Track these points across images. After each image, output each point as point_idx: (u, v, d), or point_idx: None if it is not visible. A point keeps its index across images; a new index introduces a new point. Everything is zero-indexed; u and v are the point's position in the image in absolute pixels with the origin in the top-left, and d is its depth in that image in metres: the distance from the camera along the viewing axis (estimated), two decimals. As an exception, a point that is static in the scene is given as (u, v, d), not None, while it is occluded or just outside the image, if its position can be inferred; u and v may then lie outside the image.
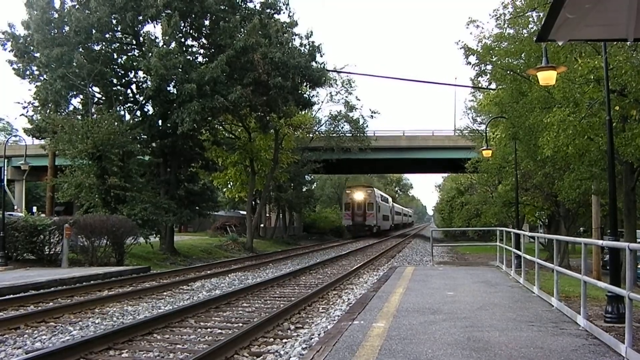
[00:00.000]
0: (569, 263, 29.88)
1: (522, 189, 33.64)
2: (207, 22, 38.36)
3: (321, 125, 68.17)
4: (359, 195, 79.88)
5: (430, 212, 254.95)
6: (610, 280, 12.08)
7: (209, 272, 27.08)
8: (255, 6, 40.37)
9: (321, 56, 43.20)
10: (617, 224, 12.61)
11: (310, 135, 65.35)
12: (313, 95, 48.51)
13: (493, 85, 31.25)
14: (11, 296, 17.47)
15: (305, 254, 37.11)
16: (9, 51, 36.70)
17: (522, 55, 24.94)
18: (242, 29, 36.97)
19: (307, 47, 42.60)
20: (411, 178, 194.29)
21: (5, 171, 70.19)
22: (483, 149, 30.43)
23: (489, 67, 27.37)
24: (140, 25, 37.27)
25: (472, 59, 26.99)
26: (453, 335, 10.33)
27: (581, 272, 11.49)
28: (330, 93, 65.29)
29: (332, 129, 67.23)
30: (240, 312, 15.77)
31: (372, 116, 79.27)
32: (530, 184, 34.45)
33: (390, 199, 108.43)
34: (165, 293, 19.70)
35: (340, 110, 66.76)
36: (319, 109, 66.57)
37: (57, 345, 11.30)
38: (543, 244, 33.29)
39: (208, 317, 14.77)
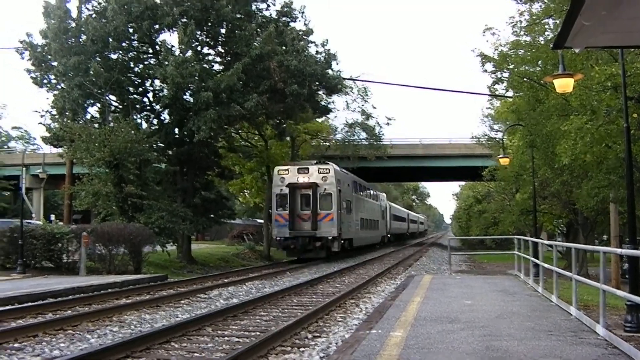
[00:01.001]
0: (588, 272, 29.70)
1: (540, 197, 33.48)
2: (223, 31, 38.51)
3: (337, 133, 68.08)
4: (302, 178, 41.25)
5: (447, 220, 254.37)
6: (629, 289, 12.01)
7: (226, 280, 27.09)
8: (271, 14, 40.53)
9: (337, 64, 43.35)
10: (636, 232, 12.53)
11: (327, 143, 65.27)
12: (329, 102, 48.56)
13: (510, 93, 31.19)
14: (29, 304, 17.54)
15: (323, 263, 37.13)
16: (27, 60, 36.97)
17: (539, 62, 24.86)
18: (258, 37, 37.08)
19: (323, 54, 42.66)
20: (428, 186, 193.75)
21: (24, 179, 70.77)
22: (500, 157, 30.35)
23: (506, 74, 27.32)
24: (156, 34, 37.49)
25: (489, 66, 26.96)
26: (471, 344, 10.29)
27: (600, 281, 11.43)
28: (347, 101, 65.19)
29: (348, 137, 67.12)
30: (258, 320, 15.76)
31: (388, 123, 78.83)
32: (548, 192, 34.27)
33: (382, 196, 73.11)
34: (182, 301, 19.71)
35: (357, 119, 66.68)
36: (335, 117, 66.51)
37: (75, 353, 11.32)
38: (561, 253, 33.15)
39: (225, 326, 14.76)
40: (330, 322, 15.42)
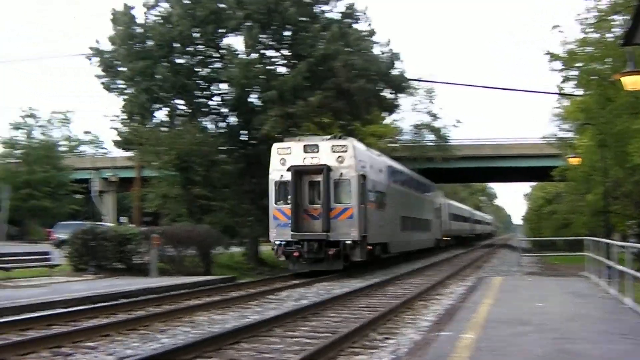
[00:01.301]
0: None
1: (612, 198, 32.85)
2: (287, 33, 38.72)
3: (404, 135, 67.97)
4: (310, 158, 30.19)
5: (515, 221, 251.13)
6: None
7: (295, 282, 27.12)
8: (333, 16, 40.56)
9: (401, 62, 43.04)
10: None
11: (394, 145, 65.13)
12: (395, 100, 48.32)
13: (579, 92, 30.74)
14: (103, 304, 17.93)
15: (391, 264, 36.80)
16: (97, 66, 37.78)
17: (608, 59, 24.46)
18: (321, 40, 37.23)
19: (387, 54, 42.53)
20: (496, 187, 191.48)
21: (96, 183, 72.64)
22: (570, 157, 29.88)
23: (574, 72, 26.96)
24: (220, 38, 37.93)
25: (557, 64, 26.64)
26: (543, 347, 10.16)
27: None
28: (413, 103, 65.04)
29: (415, 138, 67.01)
30: (327, 322, 15.75)
31: (455, 125, 78.01)
32: (619, 192, 33.61)
33: (437, 191, 60.11)
34: (252, 302, 19.81)
35: (424, 121, 66.50)
36: (402, 118, 66.26)
37: (148, 352, 11.51)
38: (636, 254, 32.50)
39: (295, 327, 14.79)
40: (400, 324, 15.33)
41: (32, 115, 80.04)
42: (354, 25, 40.91)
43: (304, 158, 29.69)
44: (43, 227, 66.20)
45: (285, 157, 29.94)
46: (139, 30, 37.20)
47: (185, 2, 36.17)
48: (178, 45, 36.54)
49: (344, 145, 29.99)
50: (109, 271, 27.22)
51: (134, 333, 13.92)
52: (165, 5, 37.59)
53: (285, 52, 39.87)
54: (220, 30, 36.89)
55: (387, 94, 43.95)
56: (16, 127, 78.38)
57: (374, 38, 42.00)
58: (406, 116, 75.19)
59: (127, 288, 20.94)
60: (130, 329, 14.21)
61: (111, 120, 38.54)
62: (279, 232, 29.71)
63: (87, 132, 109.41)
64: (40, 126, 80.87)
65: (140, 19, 37.68)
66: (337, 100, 38.04)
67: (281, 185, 30.05)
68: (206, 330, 14.35)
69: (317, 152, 29.76)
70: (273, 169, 30.30)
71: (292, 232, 29.05)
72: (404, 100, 55.67)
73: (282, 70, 39.53)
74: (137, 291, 20.65)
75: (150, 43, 36.76)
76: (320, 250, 28.68)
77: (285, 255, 29.62)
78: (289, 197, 29.62)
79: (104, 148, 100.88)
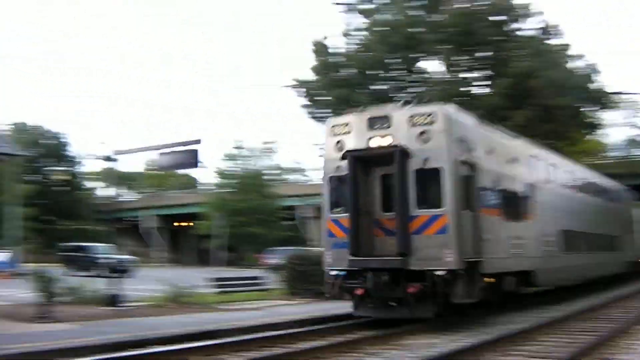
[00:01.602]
0: None
1: None
2: (483, 54, 38.49)
3: (613, 151, 65.40)
4: (378, 138, 18.90)
5: None
6: None
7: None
8: (525, 33, 39.90)
9: (599, 73, 41.52)
10: None
11: (602, 162, 62.59)
12: (597, 118, 46.54)
13: None
14: (315, 327, 18.57)
15: (602, 287, 34.99)
16: (305, 97, 39.24)
17: None
18: (516, 57, 36.83)
19: (585, 68, 41.19)
20: None
21: (303, 209, 75.16)
22: None
23: None
24: (414, 62, 38.36)
25: None
26: None
27: None
28: (622, 116, 62.45)
29: (624, 154, 64.28)
30: (538, 346, 15.42)
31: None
32: None
33: (633, 200, 46.26)
34: (470, 326, 19.52)
35: (630, 136, 63.73)
36: (606, 134, 63.67)
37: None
38: None
39: (506, 351, 14.64)
40: (615, 349, 14.71)
41: (241, 147, 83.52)
42: (547, 42, 40.26)
43: (369, 138, 19.22)
44: (255, 253, 69.11)
45: (342, 138, 19.69)
46: (338, 59, 38.30)
47: (381, 29, 36.91)
48: (374, 72, 37.33)
49: (430, 114, 18.70)
50: (319, 295, 27.86)
51: (345, 356, 14.26)
52: (362, 32, 38.56)
53: (482, 73, 39.72)
54: (413, 55, 37.34)
55: (588, 109, 42.65)
56: (229, 157, 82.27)
57: (568, 52, 41.11)
58: (611, 131, 72.34)
59: (336, 312, 21.32)
60: (341, 352, 14.63)
61: (320, 149, 39.91)
62: (336, 255, 19.67)
63: (297, 162, 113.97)
64: (250, 156, 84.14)
65: (337, 48, 38.90)
66: (540, 120, 37.34)
67: (339, 182, 19.82)
68: (415, 354, 14.41)
69: (388, 127, 19.02)
70: (327, 158, 20.17)
71: (350, 258, 18.94)
72: (607, 114, 53.84)
73: (479, 91, 39.44)
74: (346, 315, 20.98)
75: (345, 71, 37.78)
76: (395, 287, 18.33)
77: (346, 292, 19.56)
78: (340, 200, 19.94)
79: (307, 175, 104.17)
